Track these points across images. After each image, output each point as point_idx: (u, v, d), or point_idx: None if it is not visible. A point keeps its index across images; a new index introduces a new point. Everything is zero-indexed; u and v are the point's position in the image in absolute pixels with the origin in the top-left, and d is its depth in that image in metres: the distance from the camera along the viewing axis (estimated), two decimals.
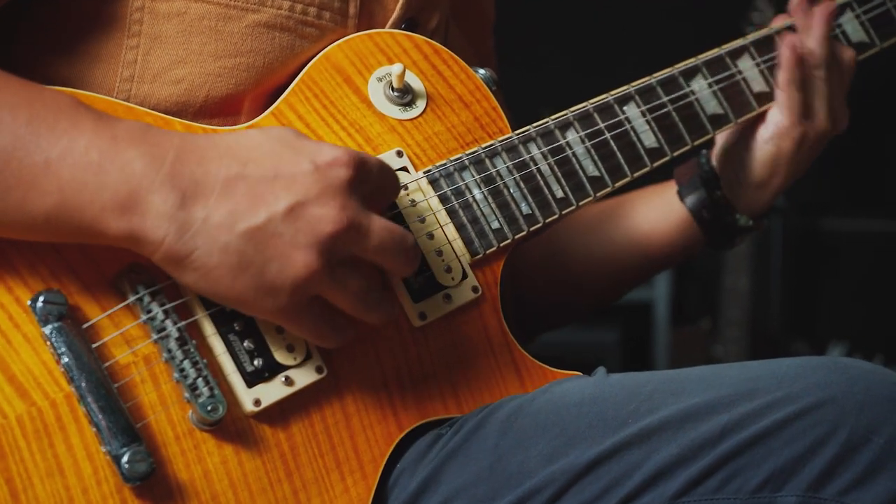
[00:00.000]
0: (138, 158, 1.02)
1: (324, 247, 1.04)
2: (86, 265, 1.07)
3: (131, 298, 1.08)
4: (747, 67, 1.46)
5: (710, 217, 1.53)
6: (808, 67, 1.45)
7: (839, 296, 3.92)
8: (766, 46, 1.48)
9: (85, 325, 1.06)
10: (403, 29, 1.31)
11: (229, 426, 1.09)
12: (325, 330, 1.09)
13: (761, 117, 1.47)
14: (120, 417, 1.04)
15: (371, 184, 1.09)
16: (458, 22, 1.46)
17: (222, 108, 1.21)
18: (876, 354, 3.82)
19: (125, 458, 1.02)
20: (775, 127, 1.46)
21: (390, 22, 1.30)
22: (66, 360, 1.03)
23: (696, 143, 1.42)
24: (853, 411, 1.06)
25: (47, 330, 1.03)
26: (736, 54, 1.46)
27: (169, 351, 1.07)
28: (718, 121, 1.43)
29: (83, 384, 1.03)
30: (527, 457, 1.12)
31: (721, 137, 1.50)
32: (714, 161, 1.52)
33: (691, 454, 1.07)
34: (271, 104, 1.23)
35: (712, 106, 1.43)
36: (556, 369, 1.25)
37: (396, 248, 1.10)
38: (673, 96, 1.40)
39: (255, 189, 1.03)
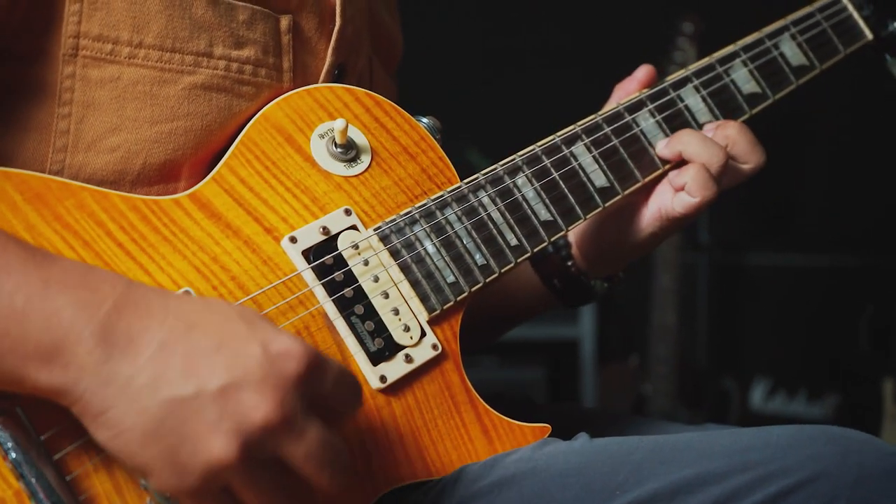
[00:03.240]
0: (69, 306, 0.94)
1: (247, 438, 0.92)
2: None
3: None
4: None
5: (562, 286, 1.50)
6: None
7: (764, 331, 3.96)
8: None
9: (32, 418, 0.99)
10: (336, 75, 1.28)
11: None
12: None
13: (643, 198, 1.41)
14: None
15: (324, 388, 0.97)
16: (376, 55, 1.43)
17: (161, 176, 1.16)
18: (800, 389, 3.86)
19: None
20: (672, 210, 1.38)
21: (324, 70, 1.27)
22: (13, 455, 0.97)
23: (647, 179, 1.39)
24: (848, 486, 1.04)
25: None
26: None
27: None
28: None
29: (33, 480, 0.97)
30: None
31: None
32: (572, 237, 1.48)
33: None
34: (211, 169, 1.18)
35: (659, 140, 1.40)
36: (523, 423, 1.21)
37: (326, 465, 0.96)
38: (617, 128, 1.37)
39: (192, 358, 0.93)
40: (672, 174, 1.38)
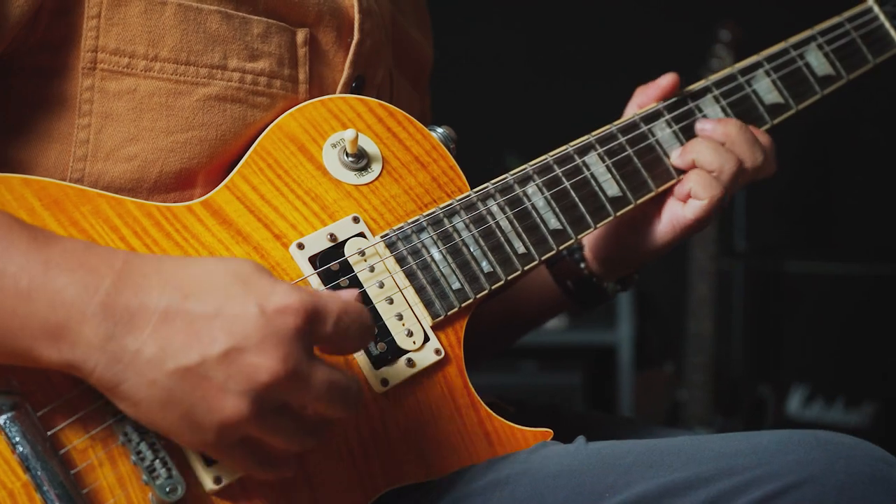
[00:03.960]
0: (70, 286, 0.98)
1: (256, 395, 0.98)
2: None
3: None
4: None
5: (574, 288, 1.53)
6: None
7: (800, 338, 3.94)
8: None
9: (40, 413, 1.04)
10: (353, 87, 1.31)
11: None
12: (256, 467, 1.05)
13: (655, 210, 1.43)
14: None
15: (326, 333, 1.02)
16: (399, 68, 1.46)
17: (177, 183, 1.21)
18: (838, 396, 3.84)
19: None
20: (683, 218, 1.40)
21: (341, 82, 1.31)
22: (20, 449, 1.01)
23: (661, 188, 1.40)
24: (834, 491, 1.05)
25: (1, 421, 1.02)
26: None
27: (125, 434, 1.06)
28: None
29: (39, 472, 1.01)
30: None
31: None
32: (585, 240, 1.51)
33: None
34: (226, 177, 1.22)
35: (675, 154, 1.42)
36: (524, 427, 1.24)
37: (336, 402, 1.02)
38: (632, 138, 1.39)
39: (193, 326, 0.98)
40: (676, 189, 1.40)
